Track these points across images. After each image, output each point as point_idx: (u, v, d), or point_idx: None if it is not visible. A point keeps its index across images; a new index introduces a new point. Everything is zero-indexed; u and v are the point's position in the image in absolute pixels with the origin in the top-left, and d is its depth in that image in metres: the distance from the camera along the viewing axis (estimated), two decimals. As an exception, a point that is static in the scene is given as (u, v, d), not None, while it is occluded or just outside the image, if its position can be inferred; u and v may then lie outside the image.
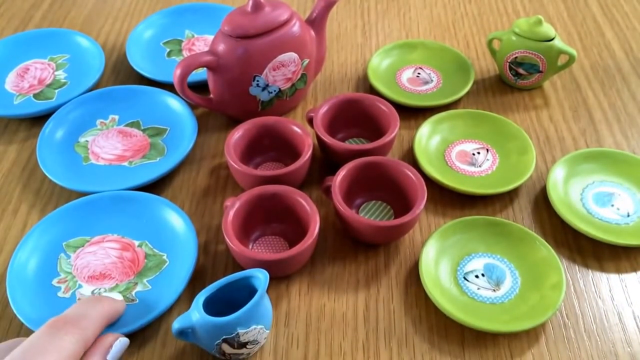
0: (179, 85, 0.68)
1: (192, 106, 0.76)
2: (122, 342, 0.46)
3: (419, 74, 0.83)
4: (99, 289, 0.59)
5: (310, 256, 0.60)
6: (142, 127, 0.75)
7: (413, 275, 0.61)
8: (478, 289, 0.58)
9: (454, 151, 0.72)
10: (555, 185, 0.67)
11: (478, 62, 0.86)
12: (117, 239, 0.63)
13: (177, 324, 0.49)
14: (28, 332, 0.56)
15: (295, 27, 0.70)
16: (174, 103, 0.76)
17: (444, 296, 0.57)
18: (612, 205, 0.66)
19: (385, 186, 0.65)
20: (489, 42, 0.82)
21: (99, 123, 0.76)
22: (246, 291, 0.52)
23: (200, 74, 0.79)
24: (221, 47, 0.69)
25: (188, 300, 0.58)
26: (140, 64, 0.83)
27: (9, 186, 0.70)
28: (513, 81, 0.81)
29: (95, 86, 0.82)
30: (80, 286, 0.59)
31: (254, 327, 0.50)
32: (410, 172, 0.63)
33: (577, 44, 0.90)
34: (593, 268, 0.62)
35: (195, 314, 0.49)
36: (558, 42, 0.77)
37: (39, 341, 0.41)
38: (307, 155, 0.65)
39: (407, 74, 0.83)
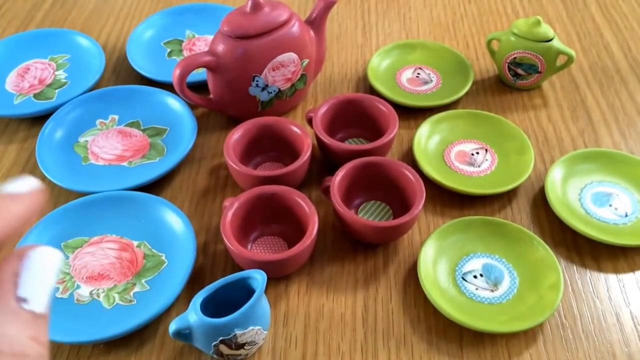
0: (178, 85, 0.69)
1: (192, 106, 0.76)
2: (38, 260, 0.27)
3: (418, 74, 0.83)
4: (97, 290, 0.59)
5: (309, 256, 0.61)
6: (142, 127, 0.76)
7: (412, 276, 0.61)
8: (476, 289, 0.59)
9: (453, 151, 0.72)
10: (554, 185, 0.67)
11: (477, 63, 0.86)
12: (115, 240, 0.63)
13: (174, 325, 0.50)
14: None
15: (295, 27, 0.71)
16: (174, 103, 0.76)
17: (443, 296, 0.57)
18: (610, 206, 0.66)
19: (384, 186, 0.65)
20: (488, 43, 0.82)
21: (99, 123, 0.76)
22: (244, 292, 0.52)
23: (200, 74, 0.79)
24: (220, 48, 0.69)
25: (187, 301, 0.58)
26: (140, 64, 0.83)
27: (9, 186, 0.70)
28: (512, 81, 0.81)
29: (96, 86, 0.82)
30: (78, 287, 0.59)
31: (251, 328, 0.50)
32: (409, 173, 0.63)
33: (575, 44, 0.90)
34: (591, 268, 0.62)
35: (193, 315, 0.49)
36: (557, 43, 0.77)
37: None
38: (306, 155, 0.65)
39: (406, 74, 0.83)
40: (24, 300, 0.26)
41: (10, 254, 0.27)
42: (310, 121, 0.71)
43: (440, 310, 0.56)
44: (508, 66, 0.80)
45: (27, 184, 0.30)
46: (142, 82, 0.83)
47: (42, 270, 0.27)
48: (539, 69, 0.78)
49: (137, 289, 0.59)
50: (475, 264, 0.61)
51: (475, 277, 0.59)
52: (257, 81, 0.71)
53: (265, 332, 0.53)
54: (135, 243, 0.63)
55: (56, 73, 0.84)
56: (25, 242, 0.61)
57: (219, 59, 0.69)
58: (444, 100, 0.78)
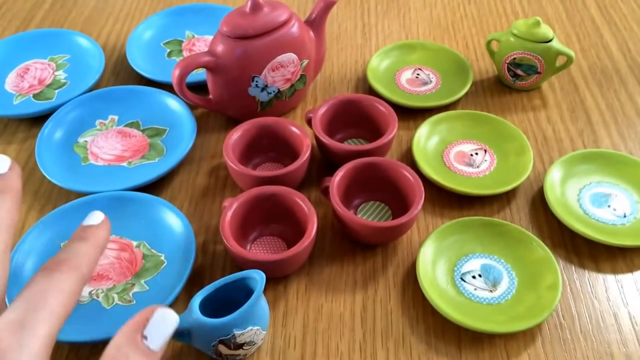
0: (178, 85, 0.69)
1: (192, 107, 0.77)
2: (162, 315, 0.40)
3: (418, 74, 0.83)
4: (96, 290, 0.59)
5: (308, 257, 0.61)
6: (142, 128, 0.76)
7: (410, 276, 0.61)
8: (475, 289, 0.59)
9: (452, 152, 0.72)
10: (553, 186, 0.67)
11: (477, 63, 0.87)
12: (115, 240, 0.63)
13: (173, 324, 0.50)
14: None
15: (294, 27, 0.71)
16: (174, 103, 0.77)
17: (441, 297, 0.57)
18: (609, 206, 0.66)
19: (383, 187, 0.65)
20: (488, 43, 0.82)
21: (99, 123, 0.76)
22: (243, 292, 0.52)
23: (199, 74, 0.79)
24: (220, 48, 0.69)
25: (186, 301, 0.58)
26: (140, 64, 0.83)
27: (9, 186, 0.71)
28: (511, 82, 0.81)
29: (95, 86, 0.82)
30: (79, 286, 0.59)
31: (250, 328, 0.50)
32: (408, 173, 0.63)
33: (575, 45, 0.90)
34: (589, 269, 0.62)
35: (191, 315, 0.49)
36: (556, 44, 0.77)
37: (37, 286, 0.41)
38: (305, 155, 0.65)
39: (406, 75, 0.83)
40: (146, 337, 0.38)
41: (150, 307, 0.40)
42: (309, 121, 0.71)
43: (439, 311, 0.56)
44: (507, 67, 0.80)
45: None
46: (142, 82, 0.83)
47: (163, 323, 0.39)
48: (539, 70, 0.78)
49: (136, 289, 0.59)
50: (474, 265, 0.61)
51: (473, 277, 0.60)
52: (256, 81, 0.71)
53: (264, 332, 0.53)
54: (135, 243, 0.63)
55: (56, 73, 0.84)
56: (25, 242, 0.61)
57: (219, 59, 0.69)
58: (443, 100, 0.78)
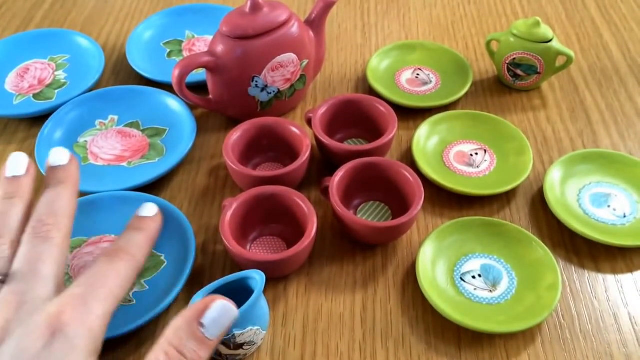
0: (178, 85, 0.69)
1: (192, 107, 0.77)
2: (220, 306, 0.43)
3: (418, 75, 0.83)
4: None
5: (308, 257, 0.61)
6: (142, 128, 0.76)
7: (410, 276, 0.61)
8: (475, 289, 0.59)
9: (452, 152, 0.72)
10: (552, 186, 0.67)
11: (477, 64, 0.87)
12: (114, 240, 0.63)
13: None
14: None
15: (294, 27, 0.71)
16: (174, 104, 0.77)
17: (441, 297, 0.57)
18: (609, 206, 0.66)
19: (383, 187, 0.65)
20: (488, 44, 0.82)
21: (98, 123, 0.76)
22: (243, 292, 0.52)
23: (199, 74, 0.79)
24: (220, 48, 0.69)
25: (185, 301, 0.58)
26: (140, 64, 0.83)
27: (9, 186, 0.71)
28: (511, 82, 0.81)
29: (95, 86, 0.82)
30: (78, 286, 0.59)
31: (250, 328, 0.50)
32: (407, 173, 0.63)
33: (575, 45, 0.90)
34: (589, 269, 0.62)
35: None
36: (556, 44, 0.77)
37: (99, 268, 0.47)
38: (305, 156, 0.65)
39: (406, 75, 0.83)
40: (202, 325, 0.42)
41: (211, 296, 0.43)
42: (309, 122, 0.71)
43: (439, 311, 0.56)
44: (507, 67, 0.80)
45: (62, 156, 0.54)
46: (142, 82, 0.83)
47: (222, 313, 0.43)
48: (538, 70, 0.78)
49: (136, 289, 0.59)
50: (473, 265, 0.61)
51: (473, 277, 0.60)
52: (256, 82, 0.71)
53: (264, 332, 0.53)
54: (135, 243, 0.63)
55: (56, 73, 0.84)
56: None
57: (218, 59, 0.69)
58: (443, 101, 0.78)
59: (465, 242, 0.62)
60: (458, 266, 0.61)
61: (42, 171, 0.69)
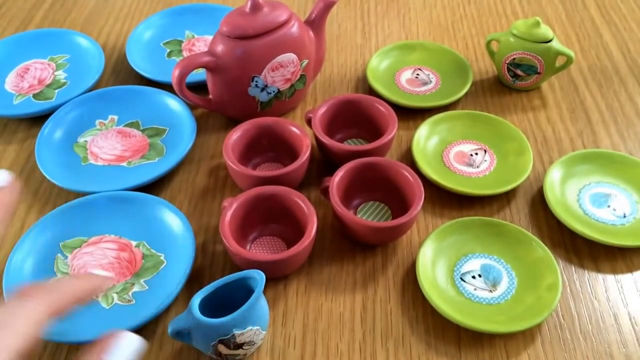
0: (178, 85, 0.69)
1: (192, 107, 0.77)
2: (126, 340, 0.39)
3: (417, 75, 0.83)
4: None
5: (307, 257, 0.61)
6: (142, 128, 0.76)
7: (410, 276, 0.61)
8: (475, 289, 0.59)
9: (452, 152, 0.72)
10: (552, 186, 0.67)
11: (477, 64, 0.87)
12: (114, 240, 0.63)
13: (172, 325, 0.50)
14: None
15: (294, 27, 0.71)
16: (173, 103, 0.77)
17: (441, 297, 0.57)
18: (609, 206, 0.66)
19: (383, 187, 0.65)
20: (488, 44, 0.82)
21: (98, 123, 0.76)
22: (243, 292, 0.52)
23: (199, 74, 0.79)
24: (220, 48, 0.69)
25: (185, 301, 0.58)
26: (140, 64, 0.83)
27: (9, 186, 0.71)
28: (511, 82, 0.81)
29: (95, 86, 0.82)
30: (78, 286, 0.59)
31: (250, 328, 0.50)
32: (407, 173, 0.63)
33: (575, 45, 0.90)
34: (589, 269, 0.62)
35: (191, 315, 0.49)
36: (556, 44, 0.77)
37: (6, 309, 0.39)
38: (305, 156, 0.65)
39: (406, 75, 0.83)
40: None
41: (115, 331, 0.39)
42: (309, 122, 0.71)
43: (439, 311, 0.56)
44: (507, 67, 0.80)
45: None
46: (142, 82, 0.83)
47: (125, 348, 0.39)
48: (538, 70, 0.78)
49: (135, 288, 0.59)
50: (473, 265, 0.61)
51: (473, 277, 0.60)
52: (256, 82, 0.71)
53: (264, 332, 0.53)
54: (134, 243, 0.63)
55: (56, 73, 0.84)
56: (25, 241, 0.61)
57: (218, 59, 0.69)
58: (443, 101, 0.78)
59: (465, 242, 0.62)
60: (458, 266, 0.61)
61: (41, 170, 0.69)
